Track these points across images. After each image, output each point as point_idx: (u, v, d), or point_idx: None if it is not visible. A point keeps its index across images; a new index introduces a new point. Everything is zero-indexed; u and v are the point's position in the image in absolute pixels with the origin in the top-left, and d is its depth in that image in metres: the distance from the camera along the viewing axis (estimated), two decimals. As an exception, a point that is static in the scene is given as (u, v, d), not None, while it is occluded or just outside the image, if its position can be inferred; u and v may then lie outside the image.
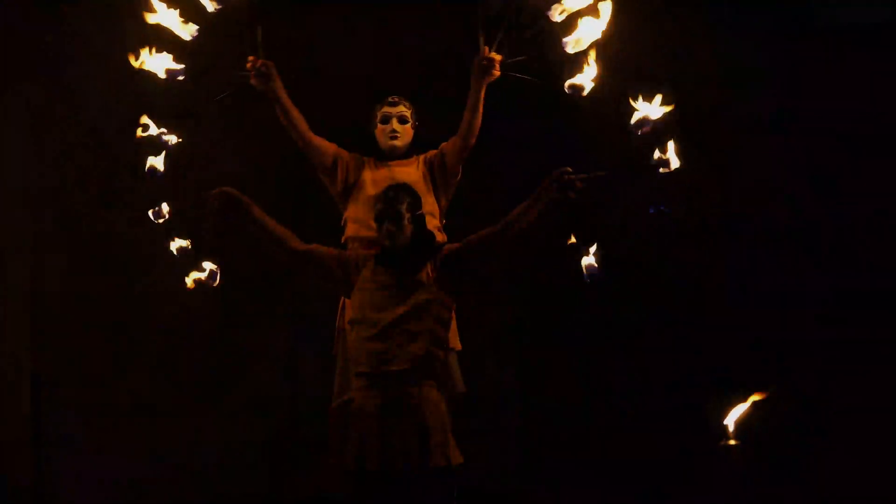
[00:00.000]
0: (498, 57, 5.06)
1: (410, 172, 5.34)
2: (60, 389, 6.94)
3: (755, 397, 4.06)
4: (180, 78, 4.90)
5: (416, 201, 4.87)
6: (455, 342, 5.28)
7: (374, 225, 4.91)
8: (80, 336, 7.09)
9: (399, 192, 4.88)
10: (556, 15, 4.75)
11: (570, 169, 4.68)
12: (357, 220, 5.32)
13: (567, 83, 4.69)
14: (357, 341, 4.83)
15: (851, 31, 7.97)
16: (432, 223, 5.22)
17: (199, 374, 7.32)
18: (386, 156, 5.41)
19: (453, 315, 5.14)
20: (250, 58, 5.14)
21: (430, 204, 5.28)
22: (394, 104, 5.38)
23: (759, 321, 7.60)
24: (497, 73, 5.08)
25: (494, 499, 7.14)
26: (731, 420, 3.98)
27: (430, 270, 4.82)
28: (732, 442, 3.93)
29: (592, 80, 4.67)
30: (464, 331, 5.42)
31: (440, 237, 5.28)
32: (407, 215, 4.84)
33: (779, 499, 6.55)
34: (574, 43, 4.71)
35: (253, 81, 5.16)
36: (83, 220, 7.15)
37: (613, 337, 7.71)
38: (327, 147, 5.35)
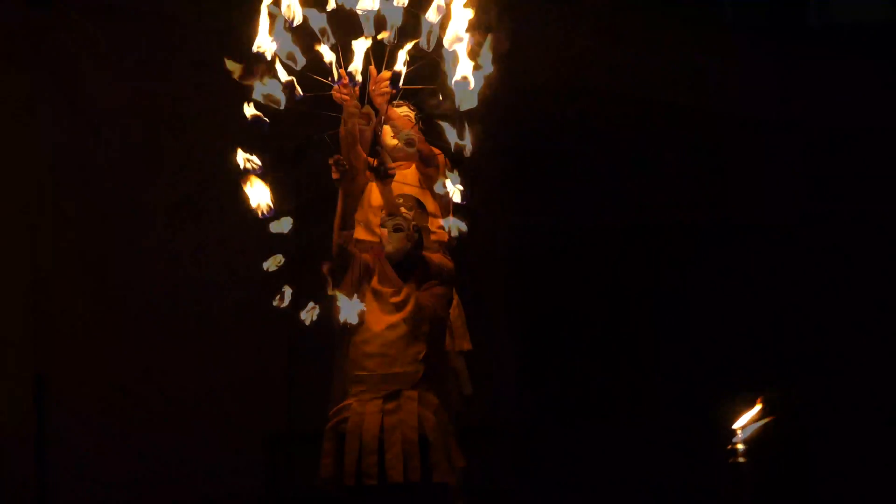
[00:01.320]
0: (387, 73, 5.03)
1: (407, 175, 5.40)
2: (62, 389, 6.93)
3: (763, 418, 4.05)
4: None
5: (421, 211, 4.93)
6: (463, 343, 5.31)
7: (378, 230, 4.96)
8: (82, 336, 7.09)
9: (405, 201, 4.94)
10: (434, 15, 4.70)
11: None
12: (361, 222, 5.37)
13: (453, 81, 4.64)
14: (357, 345, 4.87)
15: (851, 30, 8.00)
16: (435, 223, 5.27)
17: (198, 373, 7.32)
18: (390, 156, 5.45)
19: (462, 315, 5.19)
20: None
21: (430, 204, 5.34)
22: (398, 106, 5.43)
23: (758, 321, 7.61)
24: (392, 90, 5.06)
25: (494, 499, 7.14)
26: (741, 425, 3.97)
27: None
28: (739, 445, 3.93)
29: (473, 71, 4.59)
30: (465, 331, 5.43)
31: (443, 235, 5.33)
32: (412, 224, 4.90)
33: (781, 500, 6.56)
34: (453, 40, 4.66)
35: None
36: (84, 219, 7.14)
37: (613, 338, 7.72)
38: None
